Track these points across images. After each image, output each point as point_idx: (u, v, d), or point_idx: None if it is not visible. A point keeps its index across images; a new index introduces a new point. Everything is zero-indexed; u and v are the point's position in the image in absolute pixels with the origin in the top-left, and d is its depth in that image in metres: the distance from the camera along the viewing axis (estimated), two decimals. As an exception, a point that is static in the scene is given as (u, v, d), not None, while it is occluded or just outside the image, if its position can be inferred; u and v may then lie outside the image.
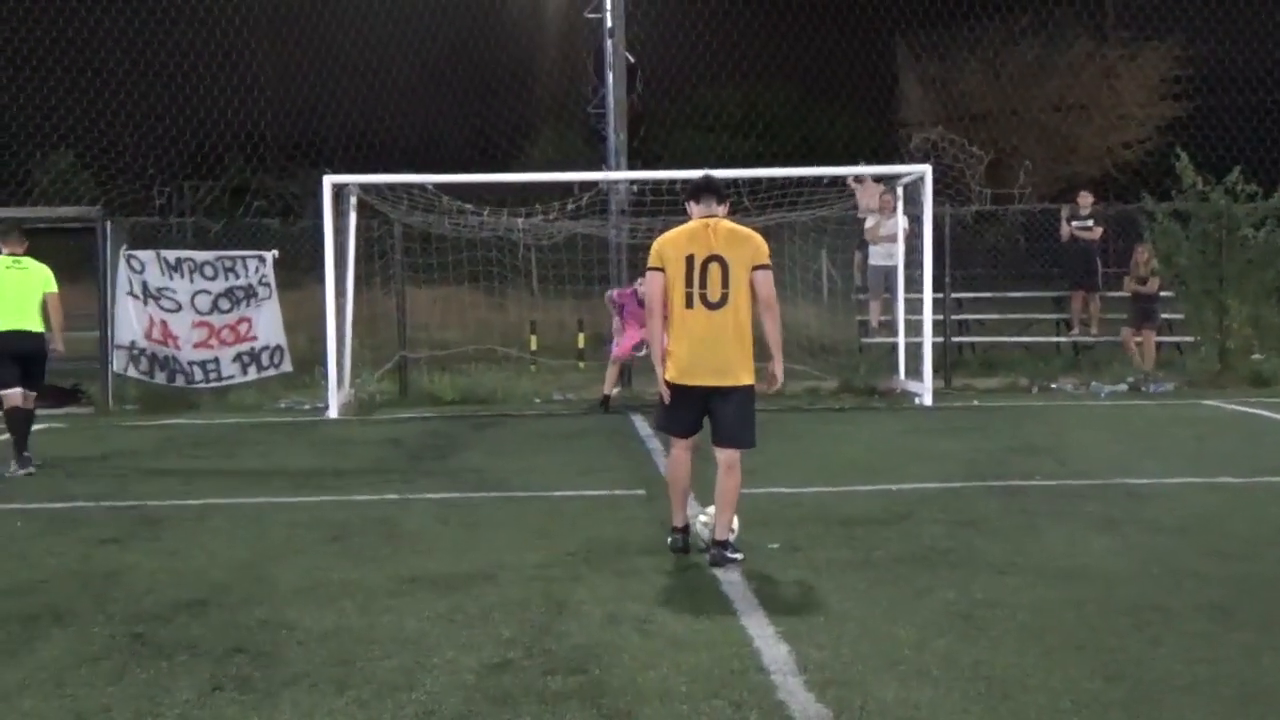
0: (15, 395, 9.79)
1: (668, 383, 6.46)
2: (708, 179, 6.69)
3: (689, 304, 6.33)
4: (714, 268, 6.29)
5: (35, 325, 9.91)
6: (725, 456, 6.39)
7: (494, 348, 15.97)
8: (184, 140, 24.92)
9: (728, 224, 6.47)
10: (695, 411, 6.48)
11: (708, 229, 6.39)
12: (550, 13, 23.04)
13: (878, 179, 15.96)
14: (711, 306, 6.30)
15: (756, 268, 6.34)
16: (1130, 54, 31.46)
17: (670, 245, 6.44)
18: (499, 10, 24.17)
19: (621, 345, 13.44)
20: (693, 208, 6.55)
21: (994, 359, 16.82)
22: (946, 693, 4.48)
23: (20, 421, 9.85)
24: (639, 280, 13.73)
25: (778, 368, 6.54)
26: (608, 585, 6.00)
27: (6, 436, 10.01)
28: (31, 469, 9.67)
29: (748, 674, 4.70)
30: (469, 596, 5.83)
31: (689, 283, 6.32)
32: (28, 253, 10.13)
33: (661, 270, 6.42)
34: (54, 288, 10.09)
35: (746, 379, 6.40)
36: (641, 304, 13.37)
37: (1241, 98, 29.62)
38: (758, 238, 6.47)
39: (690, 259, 6.32)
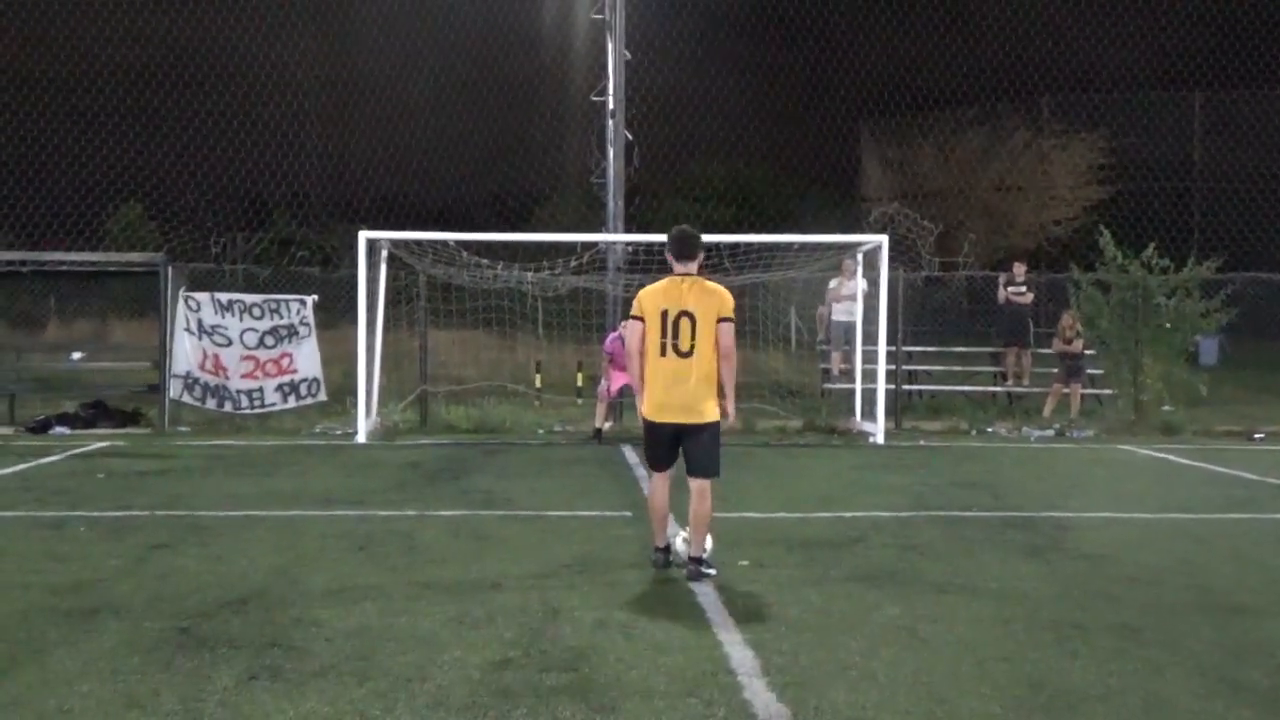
0: None
1: (644, 419, 6.50)
2: (688, 240, 6.55)
3: (663, 352, 6.34)
4: (684, 322, 6.30)
5: None
6: (696, 485, 6.39)
7: (504, 384, 15.98)
8: (239, 196, 25.11)
9: (700, 283, 6.44)
10: (669, 447, 6.48)
11: (681, 286, 6.40)
12: (560, 95, 23.21)
13: (841, 247, 16.03)
14: (682, 355, 6.30)
15: (720, 320, 6.36)
16: (1062, 144, 31.82)
17: (649, 299, 6.44)
18: (516, 91, 24.37)
19: (610, 388, 13.48)
20: (673, 261, 6.55)
21: (938, 405, 16.81)
22: (891, 696, 4.49)
23: None
24: (622, 323, 13.79)
25: (730, 405, 6.51)
26: (597, 595, 5.99)
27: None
28: None
29: (718, 675, 4.70)
30: (476, 602, 5.82)
31: (663, 334, 6.33)
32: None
33: (640, 319, 6.45)
34: None
35: (712, 416, 6.37)
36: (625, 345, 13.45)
37: (1157, 184, 30.02)
38: (725, 293, 6.44)
39: (665, 313, 6.33)
